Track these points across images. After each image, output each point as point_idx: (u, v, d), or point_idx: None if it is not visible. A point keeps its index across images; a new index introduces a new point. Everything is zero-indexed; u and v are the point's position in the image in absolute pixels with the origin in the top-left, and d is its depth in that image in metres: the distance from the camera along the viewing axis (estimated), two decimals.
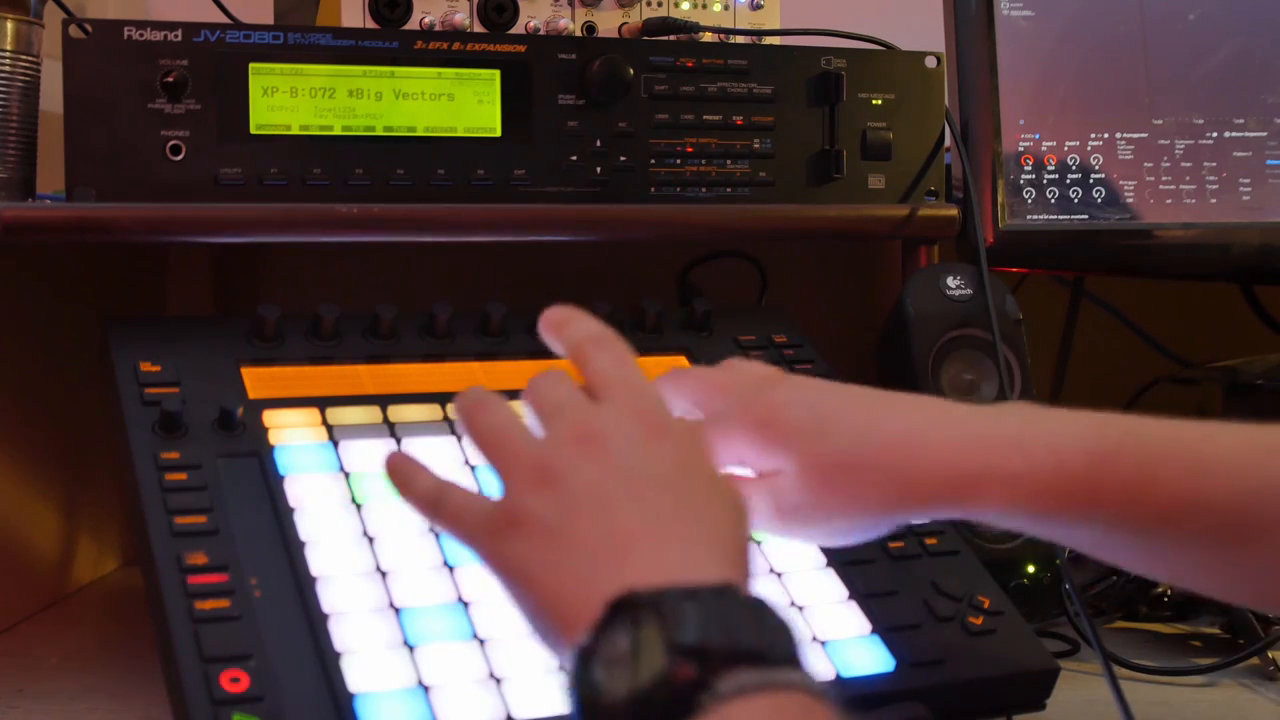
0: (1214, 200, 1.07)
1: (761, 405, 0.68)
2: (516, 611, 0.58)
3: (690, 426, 0.63)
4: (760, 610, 0.52)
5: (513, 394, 0.82)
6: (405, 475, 0.63)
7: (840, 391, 0.70)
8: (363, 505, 0.73)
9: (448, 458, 0.78)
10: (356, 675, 0.64)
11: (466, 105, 0.91)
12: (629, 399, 0.61)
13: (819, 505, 0.66)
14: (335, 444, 0.77)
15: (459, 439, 0.79)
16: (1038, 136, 1.04)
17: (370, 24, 0.93)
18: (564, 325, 0.67)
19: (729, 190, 0.97)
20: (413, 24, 0.93)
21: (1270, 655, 0.90)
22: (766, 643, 0.50)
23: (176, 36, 0.85)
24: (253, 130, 0.87)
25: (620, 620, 0.51)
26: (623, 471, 0.58)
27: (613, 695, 0.49)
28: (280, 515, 0.71)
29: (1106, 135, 1.06)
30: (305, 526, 0.71)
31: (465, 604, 0.69)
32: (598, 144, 0.94)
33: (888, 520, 0.68)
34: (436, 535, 0.73)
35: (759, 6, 1.03)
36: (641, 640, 0.50)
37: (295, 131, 0.88)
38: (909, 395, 0.70)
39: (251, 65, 0.86)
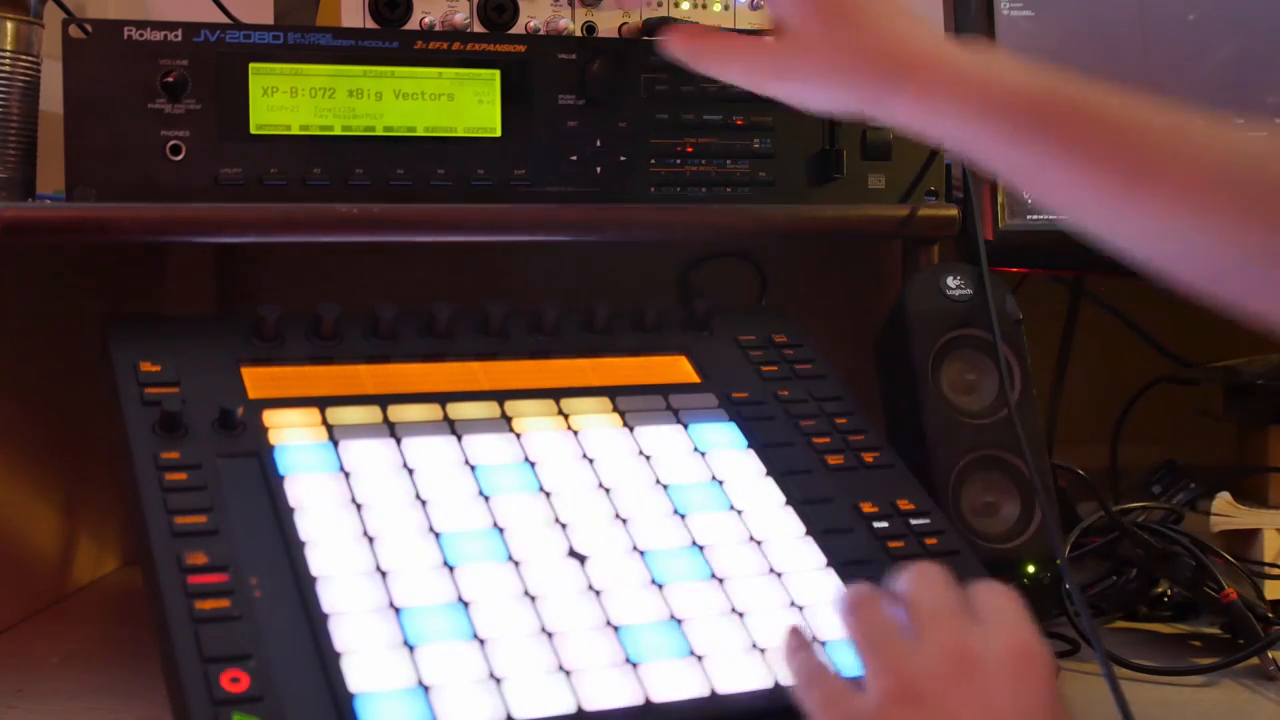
0: None
1: None
2: None
3: (1055, 662, 0.63)
4: None
5: (513, 394, 0.84)
6: (795, 647, 0.67)
7: None
8: (363, 505, 0.73)
9: (446, 458, 0.78)
10: (356, 675, 0.64)
11: (466, 105, 0.91)
12: (1007, 625, 0.62)
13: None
14: (335, 444, 0.77)
15: (458, 439, 0.79)
16: None
17: (370, 24, 0.92)
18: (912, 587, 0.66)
19: (729, 190, 0.97)
20: (413, 24, 0.93)
21: (1270, 655, 0.90)
22: None
23: (176, 36, 0.85)
24: (253, 130, 0.87)
25: None
26: (989, 705, 0.59)
27: None
28: (280, 515, 0.72)
29: None
30: (305, 526, 0.71)
31: (465, 604, 0.69)
32: (598, 144, 0.94)
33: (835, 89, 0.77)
34: (436, 535, 0.73)
35: (759, 6, 1.02)
36: None
37: (295, 131, 0.88)
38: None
39: (251, 65, 0.86)
